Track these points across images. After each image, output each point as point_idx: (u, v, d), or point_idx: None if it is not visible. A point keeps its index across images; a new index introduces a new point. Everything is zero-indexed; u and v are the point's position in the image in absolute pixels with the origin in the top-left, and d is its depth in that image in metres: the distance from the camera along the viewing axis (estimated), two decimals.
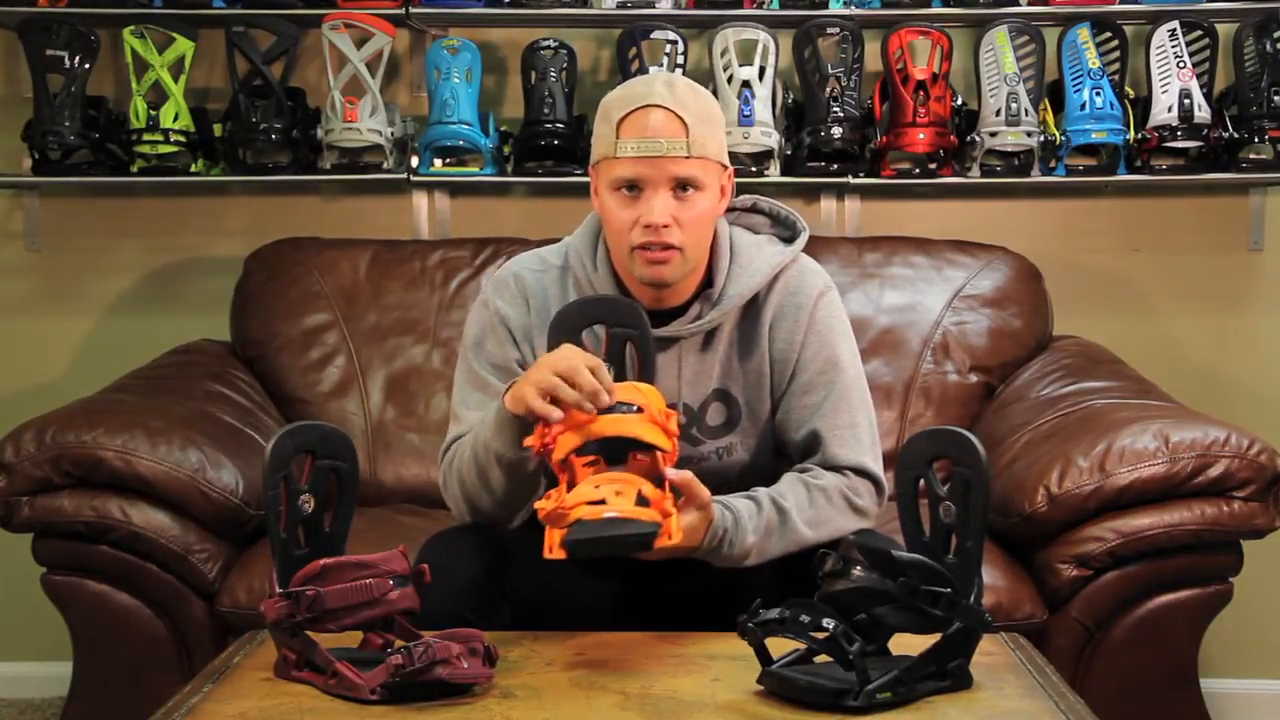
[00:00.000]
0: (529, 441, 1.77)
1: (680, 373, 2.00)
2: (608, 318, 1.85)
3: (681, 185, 1.91)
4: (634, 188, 1.91)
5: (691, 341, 2.01)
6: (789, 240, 2.07)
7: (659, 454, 1.73)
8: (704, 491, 1.81)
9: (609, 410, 1.71)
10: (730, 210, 2.07)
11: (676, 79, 1.96)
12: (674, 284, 1.96)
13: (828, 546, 1.66)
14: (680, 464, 1.80)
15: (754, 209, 2.12)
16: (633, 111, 1.91)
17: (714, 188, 1.95)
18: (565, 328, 1.84)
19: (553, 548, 1.66)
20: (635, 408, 1.72)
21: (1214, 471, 2.39)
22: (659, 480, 1.74)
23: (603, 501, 1.64)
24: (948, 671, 1.62)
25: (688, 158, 1.89)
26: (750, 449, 2.04)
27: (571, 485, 1.72)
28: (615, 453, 1.74)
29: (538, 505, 1.68)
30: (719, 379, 2.02)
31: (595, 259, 2.02)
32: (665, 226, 1.89)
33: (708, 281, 2.01)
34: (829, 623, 1.55)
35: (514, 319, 2.02)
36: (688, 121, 1.90)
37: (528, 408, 1.75)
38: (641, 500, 1.66)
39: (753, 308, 2.02)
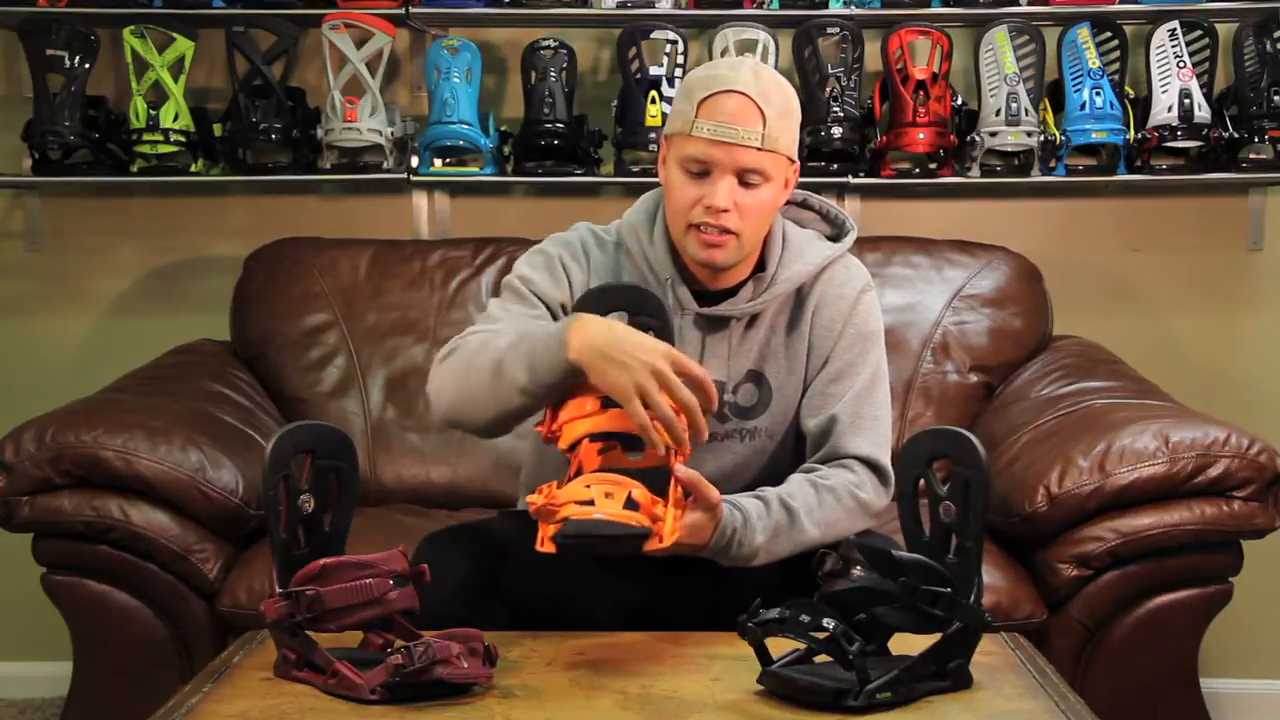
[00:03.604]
0: (538, 428, 1.76)
1: (730, 353, 2.02)
2: (630, 306, 1.81)
3: (749, 175, 1.92)
4: (702, 170, 1.93)
5: (738, 323, 2.03)
6: (834, 239, 2.10)
7: (671, 451, 1.73)
8: (713, 492, 1.80)
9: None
10: None
11: (764, 68, 1.98)
12: (726, 268, 1.98)
13: (828, 546, 1.66)
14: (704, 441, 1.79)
15: (804, 204, 2.14)
16: (716, 94, 1.92)
17: (779, 180, 1.97)
18: (587, 312, 1.80)
19: (544, 541, 1.66)
20: None
21: (1214, 471, 2.39)
22: (667, 474, 1.73)
23: (591, 502, 1.64)
24: (948, 671, 1.62)
25: (760, 150, 1.91)
26: (775, 437, 2.05)
27: (580, 471, 1.71)
28: (631, 440, 1.73)
29: (530, 499, 1.67)
30: (755, 361, 2.04)
31: (652, 234, 2.04)
32: (725, 211, 1.92)
33: (759, 266, 2.04)
34: (829, 623, 1.55)
35: (573, 270, 2.04)
36: (767, 114, 1.92)
37: (619, 392, 1.69)
38: (630, 504, 1.65)
39: (798, 296, 2.05)
